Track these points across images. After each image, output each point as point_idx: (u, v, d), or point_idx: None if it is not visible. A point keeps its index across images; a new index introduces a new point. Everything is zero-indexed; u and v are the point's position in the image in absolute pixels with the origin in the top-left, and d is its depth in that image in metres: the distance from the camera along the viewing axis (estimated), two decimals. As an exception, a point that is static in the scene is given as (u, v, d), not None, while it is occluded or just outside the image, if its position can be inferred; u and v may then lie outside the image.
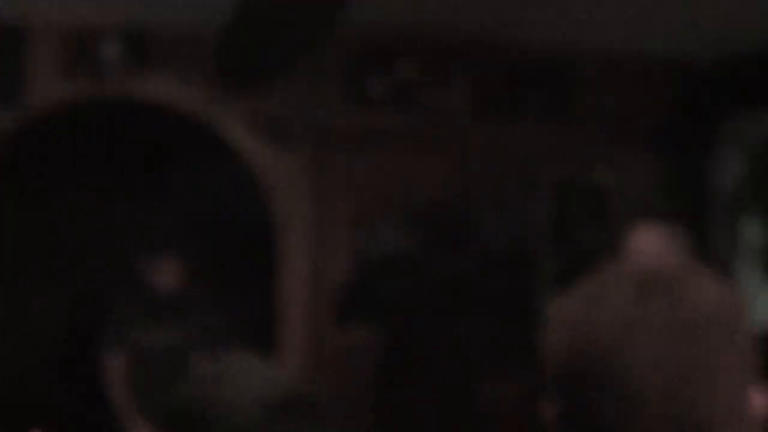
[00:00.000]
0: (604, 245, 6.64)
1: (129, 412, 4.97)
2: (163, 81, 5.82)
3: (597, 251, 6.57)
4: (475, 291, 6.26)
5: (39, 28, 5.61)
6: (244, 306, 8.70)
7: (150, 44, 5.80)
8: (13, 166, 7.44)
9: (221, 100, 5.90)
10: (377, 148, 6.12)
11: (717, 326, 1.09)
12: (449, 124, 6.30)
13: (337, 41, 5.95)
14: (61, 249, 8.86)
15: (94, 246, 8.82)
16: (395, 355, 5.37)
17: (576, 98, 6.64)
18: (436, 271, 6.16)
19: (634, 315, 1.08)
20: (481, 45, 6.33)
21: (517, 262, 6.45)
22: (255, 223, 7.16)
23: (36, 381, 8.29)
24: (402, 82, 6.19)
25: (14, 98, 5.57)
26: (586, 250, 6.59)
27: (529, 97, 6.52)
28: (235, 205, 7.91)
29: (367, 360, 5.55)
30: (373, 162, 6.12)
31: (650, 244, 3.65)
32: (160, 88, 5.84)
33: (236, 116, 5.95)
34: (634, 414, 1.05)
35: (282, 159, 6.04)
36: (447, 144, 6.29)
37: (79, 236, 8.82)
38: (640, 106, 6.74)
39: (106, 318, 5.32)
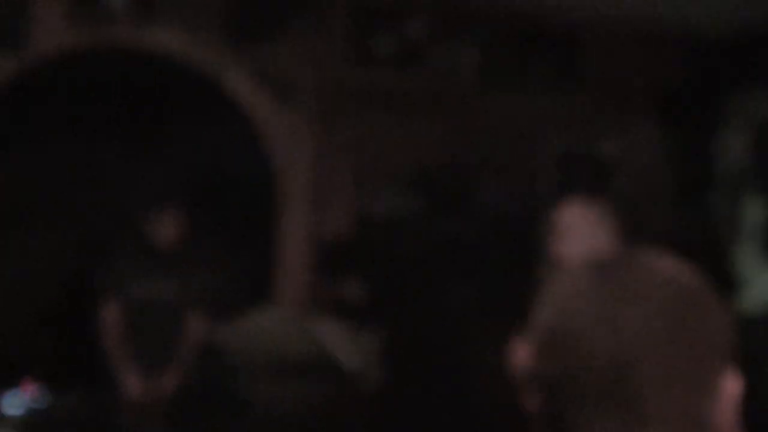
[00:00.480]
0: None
1: (122, 361, 4.99)
2: (168, 31, 5.80)
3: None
4: (472, 254, 6.27)
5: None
6: (243, 259, 8.74)
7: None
8: (16, 111, 7.44)
9: (226, 52, 5.88)
10: (382, 108, 6.11)
11: (674, 302, 1.07)
12: (455, 87, 6.28)
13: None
14: (60, 197, 8.87)
15: (95, 195, 8.83)
16: (395, 315, 5.38)
17: (583, 67, 6.61)
18: (434, 233, 6.18)
19: (595, 309, 1.07)
20: (491, 9, 6.29)
21: (516, 228, 6.45)
22: (256, 178, 7.16)
23: (32, 330, 8.34)
24: (409, 41, 6.16)
25: (19, 43, 5.55)
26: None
27: (536, 64, 6.50)
28: (236, 158, 7.91)
29: (359, 316, 5.54)
30: (377, 121, 6.10)
31: (580, 220, 3.56)
32: (165, 38, 5.81)
33: (241, 70, 5.93)
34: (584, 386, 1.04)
35: (285, 115, 6.03)
36: (452, 106, 6.27)
37: (80, 185, 8.82)
38: (648, 77, 6.71)
39: (104, 268, 5.34)
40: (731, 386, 1.08)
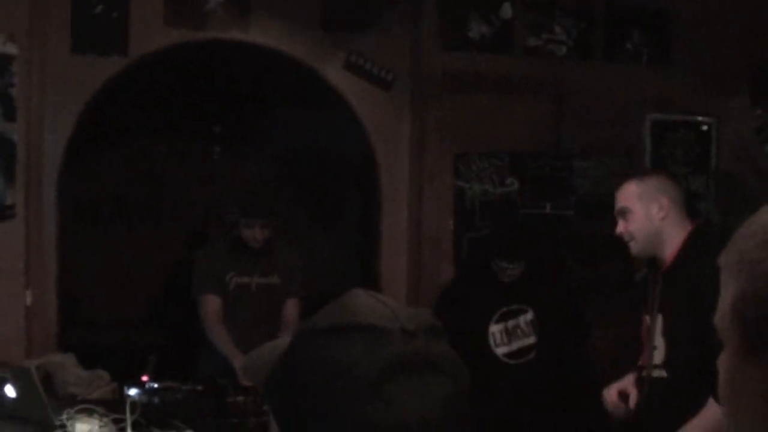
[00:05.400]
0: (704, 190, 6.59)
1: (227, 347, 5.15)
2: (265, 25, 5.91)
3: (696, 195, 6.53)
4: (571, 235, 6.29)
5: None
6: (346, 247, 8.86)
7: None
8: (120, 112, 7.65)
9: (324, 43, 5.97)
10: (477, 91, 6.14)
11: None
12: (549, 68, 6.29)
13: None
14: (163, 193, 9.09)
15: (195, 191, 9.04)
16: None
17: (675, 44, 6.56)
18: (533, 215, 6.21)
19: None
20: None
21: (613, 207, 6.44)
22: (356, 164, 7.26)
23: (138, 322, 8.58)
24: (502, 24, 6.19)
25: (121, 46, 5.71)
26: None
27: (629, 43, 6.47)
28: (337, 145, 8.03)
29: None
30: (473, 105, 6.14)
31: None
32: (262, 34, 5.93)
33: (338, 60, 6.02)
34: None
35: (383, 102, 6.10)
36: (546, 87, 6.28)
37: (184, 179, 9.04)
38: (742, 50, 6.63)
39: (203, 260, 5.52)
40: None
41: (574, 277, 6.22)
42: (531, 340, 4.88)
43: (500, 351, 4.88)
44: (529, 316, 4.88)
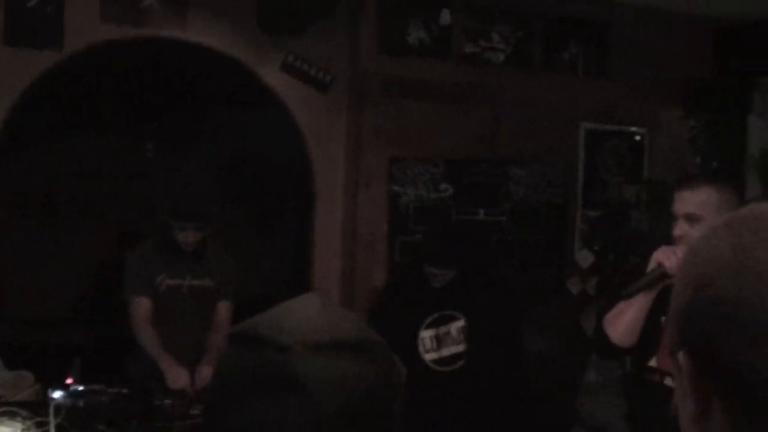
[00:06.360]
0: (636, 199, 6.68)
1: (156, 350, 5.08)
2: (202, 24, 5.86)
3: (628, 204, 6.62)
4: (505, 240, 6.33)
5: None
6: (279, 248, 8.82)
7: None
8: (53, 106, 7.53)
9: (262, 44, 5.94)
10: (414, 96, 6.15)
11: None
12: (486, 75, 6.32)
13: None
14: (94, 190, 8.97)
15: (127, 189, 8.94)
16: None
17: (611, 55, 6.64)
18: (467, 221, 6.23)
19: None
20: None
21: (547, 213, 6.50)
22: (291, 165, 7.22)
23: (64, 321, 8.45)
24: (441, 30, 6.20)
25: (55, 41, 5.62)
26: (618, 203, 6.64)
27: (566, 53, 6.53)
28: (271, 146, 7.98)
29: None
30: (410, 110, 6.15)
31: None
32: (199, 33, 5.87)
33: (276, 61, 5.99)
34: None
35: (319, 104, 6.08)
36: (483, 94, 6.31)
37: (113, 178, 8.93)
38: (676, 63, 6.73)
39: (134, 261, 5.42)
40: None
41: (508, 283, 6.27)
42: (461, 347, 4.85)
43: (429, 357, 4.85)
44: (461, 323, 4.86)
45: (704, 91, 6.79)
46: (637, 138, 6.75)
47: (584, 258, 6.38)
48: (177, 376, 4.83)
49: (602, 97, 6.58)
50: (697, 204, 3.41)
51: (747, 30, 6.70)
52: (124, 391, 4.35)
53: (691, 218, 3.41)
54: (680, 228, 3.42)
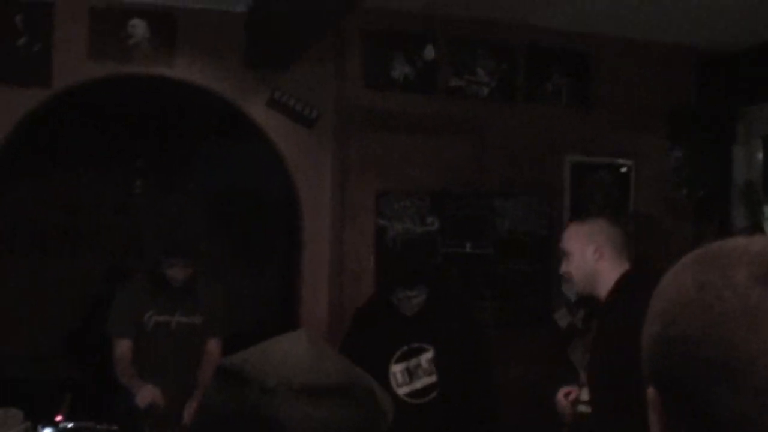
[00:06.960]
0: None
1: (130, 381, 5.05)
2: (189, 61, 5.91)
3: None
4: (490, 273, 6.36)
5: (67, 8, 5.70)
6: (267, 282, 8.81)
7: (177, 25, 5.88)
8: (42, 143, 7.54)
9: (247, 79, 5.98)
10: (399, 130, 6.19)
11: None
12: (471, 109, 6.37)
13: (362, 23, 6.03)
14: (83, 225, 8.97)
15: (116, 224, 8.94)
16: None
17: (594, 86, 6.69)
18: (452, 253, 6.25)
19: (756, 301, 0.91)
20: (504, 30, 6.39)
21: (532, 246, 6.53)
22: (278, 200, 7.23)
23: (53, 356, 8.41)
24: (425, 64, 6.26)
25: (43, 79, 5.65)
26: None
27: (549, 84, 6.58)
28: (259, 181, 8.00)
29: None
30: (395, 144, 6.19)
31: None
32: (186, 70, 5.92)
33: (262, 96, 6.03)
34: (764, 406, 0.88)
35: (306, 139, 6.12)
36: (468, 127, 6.36)
37: (101, 213, 8.93)
38: (659, 93, 6.80)
39: (121, 299, 5.40)
40: None
41: (489, 313, 6.29)
42: (433, 378, 4.83)
43: (402, 391, 4.82)
44: (430, 354, 4.84)
45: (688, 121, 6.84)
46: (623, 170, 6.78)
47: (562, 317, 6.43)
48: (145, 392, 4.83)
49: (586, 128, 6.63)
50: (562, 241, 3.86)
51: (729, 59, 6.78)
52: (114, 427, 4.35)
53: (562, 254, 3.84)
54: (561, 266, 3.86)
